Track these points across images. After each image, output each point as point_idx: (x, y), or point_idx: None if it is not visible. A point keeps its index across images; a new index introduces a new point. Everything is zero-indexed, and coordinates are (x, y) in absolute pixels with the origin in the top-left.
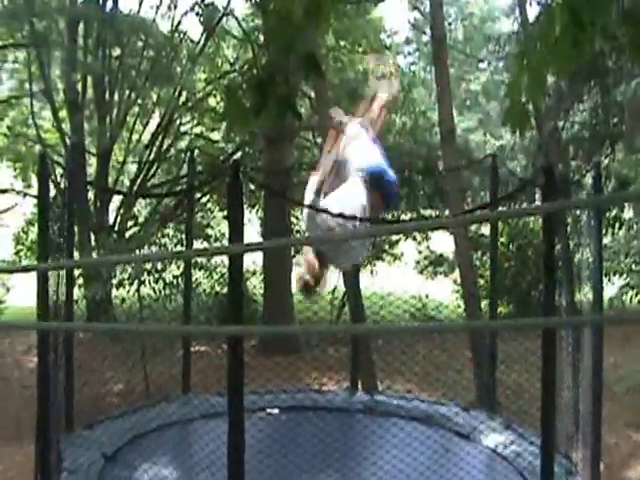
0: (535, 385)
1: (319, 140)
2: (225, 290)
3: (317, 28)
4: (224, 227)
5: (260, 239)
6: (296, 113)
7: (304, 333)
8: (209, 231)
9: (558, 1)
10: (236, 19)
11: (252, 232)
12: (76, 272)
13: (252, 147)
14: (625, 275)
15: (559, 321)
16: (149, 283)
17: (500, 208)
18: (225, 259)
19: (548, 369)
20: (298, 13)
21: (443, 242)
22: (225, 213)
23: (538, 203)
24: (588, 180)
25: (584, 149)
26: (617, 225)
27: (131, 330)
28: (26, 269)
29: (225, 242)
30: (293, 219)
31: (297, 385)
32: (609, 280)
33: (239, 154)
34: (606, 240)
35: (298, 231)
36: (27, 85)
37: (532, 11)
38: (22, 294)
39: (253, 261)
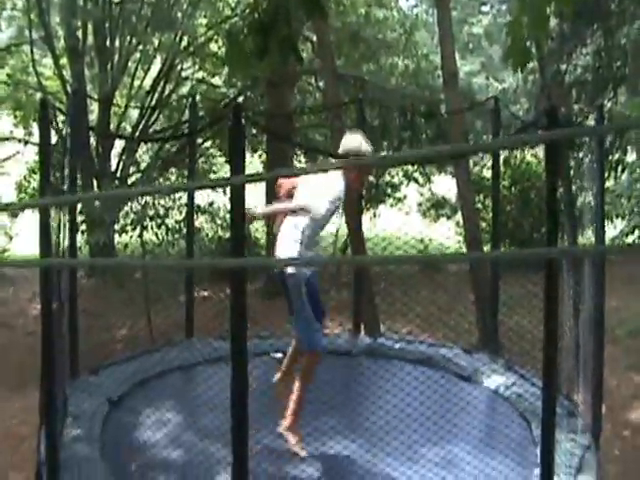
0: (537, 327)
1: (321, 84)
2: (228, 235)
3: None
4: (226, 173)
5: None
6: (298, 56)
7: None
8: (211, 176)
9: None
10: None
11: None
12: (79, 218)
13: (254, 91)
14: (627, 217)
15: (561, 250)
16: (152, 228)
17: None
18: (227, 204)
19: (550, 310)
20: None
21: (445, 185)
22: (227, 158)
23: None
24: (591, 123)
25: (587, 92)
26: (619, 168)
27: (134, 264)
28: (27, 205)
29: (226, 189)
30: (296, 162)
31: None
32: (611, 222)
33: (241, 98)
34: (608, 183)
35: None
36: (27, 32)
37: None
38: (25, 242)
39: (255, 205)
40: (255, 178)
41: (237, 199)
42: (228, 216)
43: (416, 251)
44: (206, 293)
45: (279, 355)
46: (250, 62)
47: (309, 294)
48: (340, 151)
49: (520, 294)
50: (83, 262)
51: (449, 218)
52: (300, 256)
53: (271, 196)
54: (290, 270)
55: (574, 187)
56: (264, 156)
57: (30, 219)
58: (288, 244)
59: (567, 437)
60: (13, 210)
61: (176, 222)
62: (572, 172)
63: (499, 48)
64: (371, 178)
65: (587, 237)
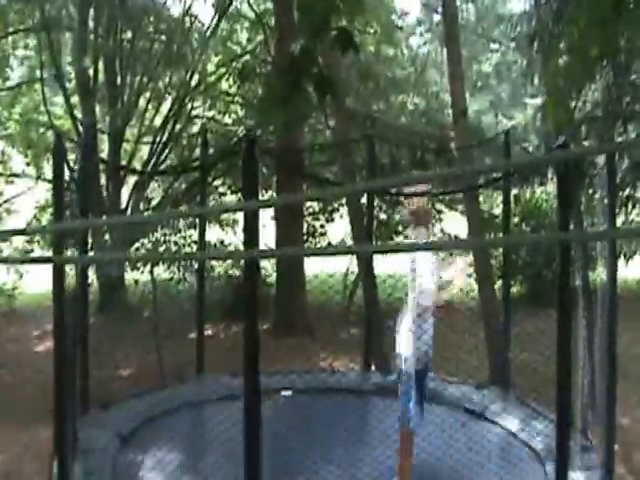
0: (549, 363)
1: (331, 122)
2: (238, 273)
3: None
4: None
5: (273, 221)
6: (334, 90)
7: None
8: (222, 215)
9: None
10: (247, 1)
11: (265, 214)
12: (90, 254)
13: (265, 130)
14: None
15: (574, 235)
16: (163, 264)
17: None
18: (237, 242)
19: (563, 346)
20: None
21: (456, 224)
22: (238, 197)
23: (550, 183)
24: (601, 159)
25: (597, 128)
26: (630, 204)
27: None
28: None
29: (237, 227)
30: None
31: (310, 367)
32: (626, 262)
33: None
34: (620, 220)
35: (311, 213)
36: (38, 71)
37: None
38: (35, 279)
39: (265, 243)
40: (268, 203)
41: (251, 228)
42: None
43: None
44: (216, 330)
45: (289, 393)
46: (284, 106)
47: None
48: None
49: (532, 330)
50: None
51: (460, 256)
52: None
53: (281, 231)
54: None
55: (585, 223)
56: (274, 194)
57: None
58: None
59: (581, 474)
60: (27, 234)
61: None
62: (583, 208)
63: (508, 86)
64: (382, 216)
65: (597, 274)
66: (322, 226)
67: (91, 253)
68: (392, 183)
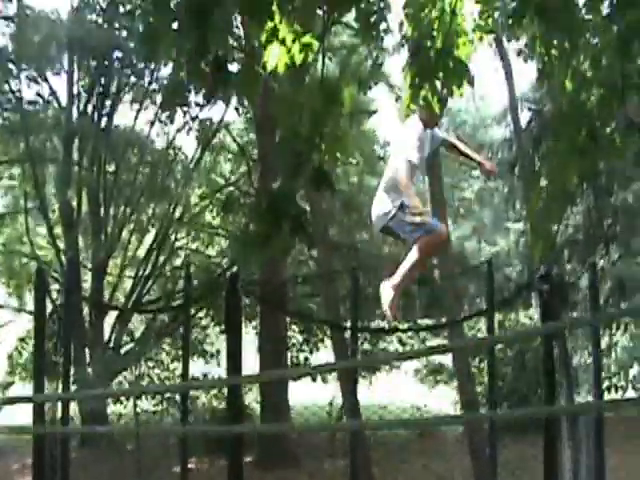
0: None
1: (314, 253)
2: (222, 405)
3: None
4: (220, 343)
5: (257, 353)
6: (307, 233)
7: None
8: (206, 347)
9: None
10: (230, 133)
11: (250, 344)
12: (72, 387)
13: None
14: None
15: (559, 409)
16: (146, 398)
17: (497, 313)
18: (221, 373)
19: (550, 471)
20: (304, 130)
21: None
22: (221, 329)
23: (534, 307)
24: (584, 282)
25: (579, 251)
26: (614, 326)
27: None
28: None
29: (222, 359)
30: (290, 332)
31: None
32: (614, 388)
33: (235, 268)
34: (604, 342)
35: (294, 344)
36: (22, 201)
37: (523, 117)
38: (15, 412)
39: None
40: (252, 379)
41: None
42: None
43: (410, 417)
44: (199, 465)
45: None
46: (263, 246)
47: None
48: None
49: (518, 457)
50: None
51: (446, 383)
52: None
53: (265, 363)
54: None
55: (569, 346)
56: (258, 326)
57: (20, 389)
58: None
59: None
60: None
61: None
62: (567, 331)
63: (490, 212)
64: (366, 346)
65: (583, 397)
66: (306, 359)
67: (73, 387)
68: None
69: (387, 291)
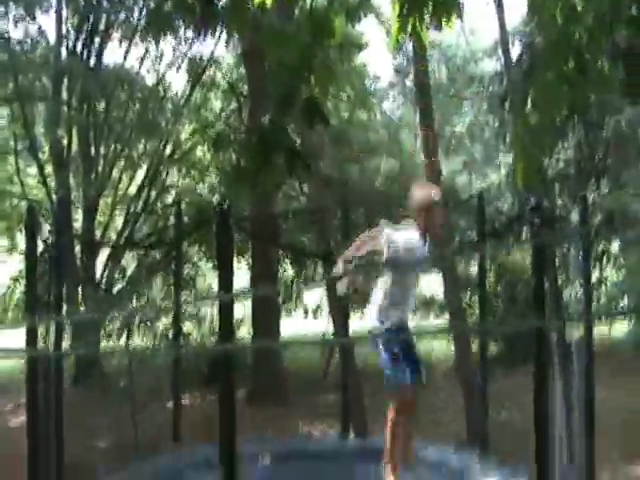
0: (527, 421)
1: (305, 188)
2: (214, 340)
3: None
4: (211, 279)
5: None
6: (306, 163)
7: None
8: (197, 282)
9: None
10: (220, 69)
11: (240, 281)
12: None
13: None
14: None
15: (549, 324)
16: (138, 334)
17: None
18: (214, 311)
19: (540, 402)
20: (293, 62)
21: (432, 283)
22: (213, 264)
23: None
24: (574, 217)
25: (569, 186)
26: (605, 259)
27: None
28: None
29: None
30: (281, 267)
31: (288, 434)
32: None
33: (226, 203)
34: (594, 275)
35: (286, 280)
36: (11, 142)
37: (514, 51)
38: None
39: (242, 315)
40: (244, 293)
41: (226, 314)
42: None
43: None
44: (191, 401)
45: (267, 460)
46: (254, 180)
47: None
48: (415, 206)
49: (508, 390)
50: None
51: (437, 317)
52: (386, 315)
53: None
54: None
55: (560, 280)
56: (250, 260)
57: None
58: (374, 307)
59: None
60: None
61: (165, 328)
62: (557, 264)
63: (481, 146)
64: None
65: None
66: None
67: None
68: None
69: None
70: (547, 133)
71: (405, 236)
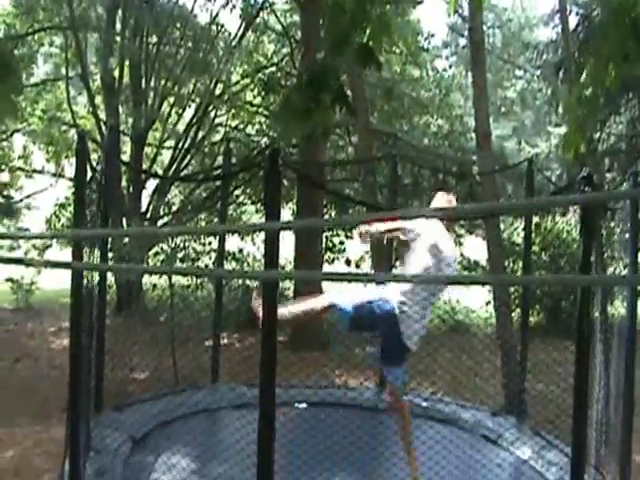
0: (564, 395)
1: (353, 139)
2: (256, 283)
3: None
4: (256, 221)
5: (293, 234)
6: (350, 109)
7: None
8: (241, 223)
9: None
10: (274, 13)
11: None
12: (109, 255)
13: (287, 142)
14: None
15: (593, 278)
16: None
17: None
18: (256, 252)
19: (580, 378)
20: (350, 9)
21: (476, 248)
22: (257, 207)
23: (572, 214)
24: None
25: (620, 161)
26: None
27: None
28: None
29: (257, 237)
30: (326, 215)
31: (325, 382)
32: None
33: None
34: None
35: (330, 229)
36: (63, 69)
37: (572, 20)
38: (53, 278)
39: (285, 257)
40: (290, 225)
41: (271, 244)
42: (256, 264)
43: (443, 313)
44: (231, 340)
45: (303, 405)
46: (303, 118)
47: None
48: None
49: (548, 360)
50: (111, 267)
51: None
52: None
53: (300, 246)
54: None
55: (605, 256)
56: (295, 208)
57: (58, 255)
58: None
59: None
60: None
61: (205, 265)
62: (603, 241)
63: (532, 113)
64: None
65: (616, 307)
66: (341, 242)
67: (110, 255)
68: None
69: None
70: (599, 106)
71: (450, 250)
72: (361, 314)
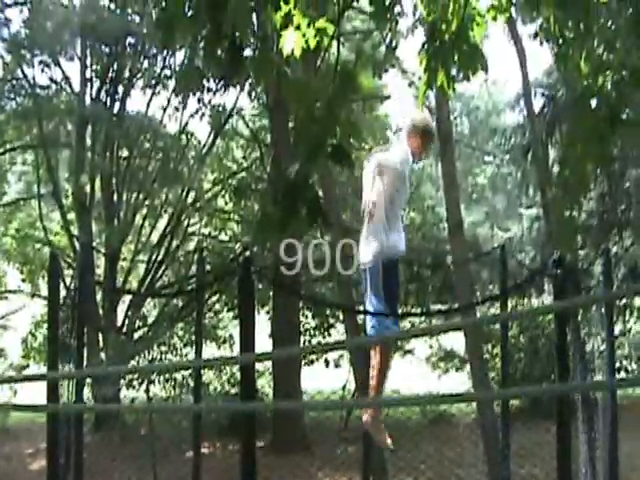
0: (550, 476)
1: (327, 238)
2: (234, 390)
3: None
4: (232, 328)
5: (270, 339)
6: (325, 218)
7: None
8: (218, 332)
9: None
10: (243, 119)
11: (262, 330)
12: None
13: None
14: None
15: (571, 387)
16: (159, 383)
17: (509, 300)
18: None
19: (563, 457)
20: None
21: (454, 336)
22: (234, 314)
23: (547, 294)
24: (597, 268)
25: (592, 237)
26: (628, 313)
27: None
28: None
29: (234, 344)
30: (302, 317)
31: None
32: (625, 371)
33: (247, 253)
34: (617, 329)
35: (307, 329)
36: (35, 187)
37: (537, 102)
38: (30, 396)
39: (262, 367)
40: (264, 357)
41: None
42: (235, 370)
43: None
44: (212, 450)
45: None
46: (280, 230)
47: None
48: (409, 124)
49: (530, 443)
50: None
51: (458, 370)
52: (382, 242)
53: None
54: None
55: (582, 333)
56: (271, 311)
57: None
58: (365, 244)
59: None
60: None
61: (183, 377)
62: (580, 318)
63: (503, 197)
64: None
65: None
66: (319, 343)
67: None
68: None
69: (374, 426)
70: (578, 190)
71: (396, 154)
72: (389, 292)
